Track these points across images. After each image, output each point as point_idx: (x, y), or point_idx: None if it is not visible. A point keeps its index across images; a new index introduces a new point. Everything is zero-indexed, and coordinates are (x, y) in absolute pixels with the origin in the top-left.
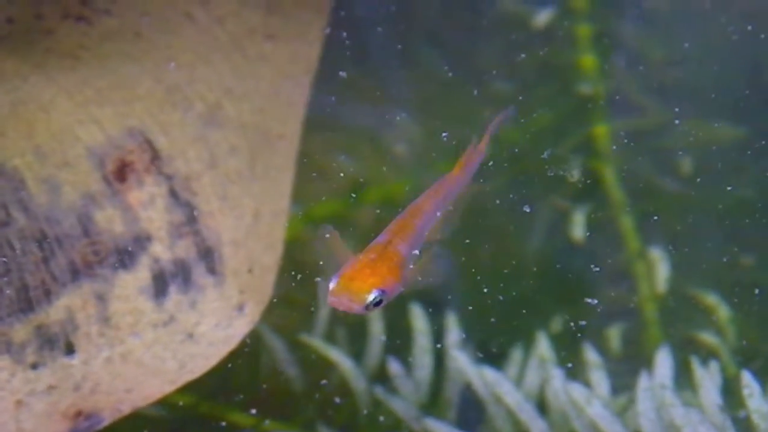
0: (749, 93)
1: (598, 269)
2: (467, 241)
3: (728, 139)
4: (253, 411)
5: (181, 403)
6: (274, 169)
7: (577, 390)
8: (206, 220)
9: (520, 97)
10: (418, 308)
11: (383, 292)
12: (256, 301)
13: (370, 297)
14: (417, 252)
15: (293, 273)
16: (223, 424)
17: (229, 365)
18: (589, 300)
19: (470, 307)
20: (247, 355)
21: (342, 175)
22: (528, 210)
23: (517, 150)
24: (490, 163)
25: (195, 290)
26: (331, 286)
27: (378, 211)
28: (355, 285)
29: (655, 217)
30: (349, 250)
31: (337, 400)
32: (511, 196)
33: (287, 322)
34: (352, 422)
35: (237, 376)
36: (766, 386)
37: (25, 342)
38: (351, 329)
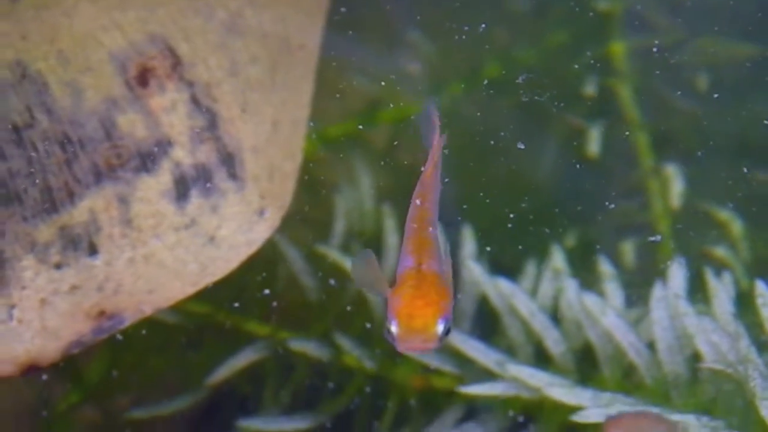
0: (762, 15)
1: (612, 185)
2: (482, 160)
3: (743, 56)
4: (270, 321)
5: (198, 312)
6: (294, 79)
7: (591, 300)
8: (227, 127)
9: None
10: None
11: (446, 319)
12: (276, 207)
13: (440, 330)
14: (444, 256)
15: (309, 190)
16: (240, 333)
17: (247, 276)
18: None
19: (484, 224)
20: (264, 265)
21: (356, 95)
22: (521, 147)
23: (529, 71)
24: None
25: (216, 195)
26: (394, 329)
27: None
28: (419, 323)
29: (670, 134)
30: (383, 274)
31: (352, 309)
32: (525, 115)
33: (304, 236)
34: (367, 332)
35: (254, 287)
36: None
37: (49, 242)
38: (367, 242)
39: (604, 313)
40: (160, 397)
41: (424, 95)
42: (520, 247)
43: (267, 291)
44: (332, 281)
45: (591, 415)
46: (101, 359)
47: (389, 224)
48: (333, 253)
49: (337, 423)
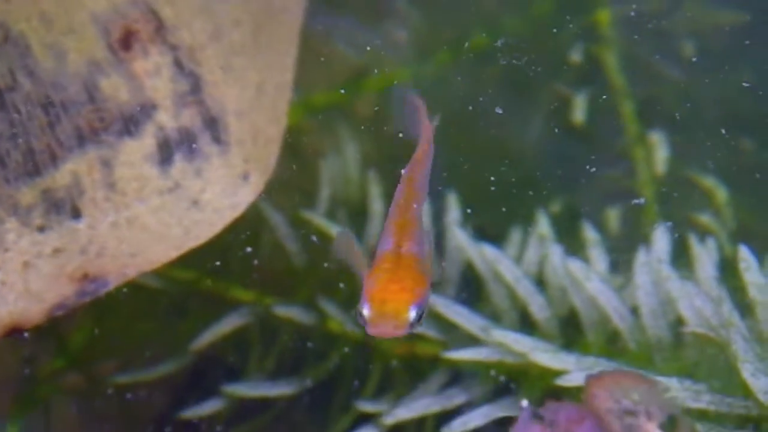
0: None
1: (597, 152)
2: (467, 128)
3: (727, 23)
4: (254, 287)
5: (183, 278)
6: (278, 43)
7: (576, 265)
8: (211, 91)
9: None
10: None
11: (419, 305)
12: (260, 171)
13: (411, 316)
14: (427, 245)
15: (294, 157)
16: (224, 299)
17: (231, 242)
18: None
19: (469, 191)
20: (248, 231)
21: (341, 63)
22: (499, 112)
23: (515, 39)
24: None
25: (200, 158)
26: (366, 313)
27: (376, 108)
28: (390, 308)
29: (655, 101)
30: (362, 255)
31: (336, 275)
32: (510, 82)
33: (288, 203)
34: (352, 299)
35: (238, 253)
36: (763, 262)
37: (32, 205)
38: (352, 209)
39: (588, 278)
40: (144, 363)
41: (410, 62)
42: (505, 213)
43: (251, 257)
44: (316, 242)
45: (574, 378)
46: (85, 325)
47: (374, 191)
48: (318, 219)
49: (321, 388)
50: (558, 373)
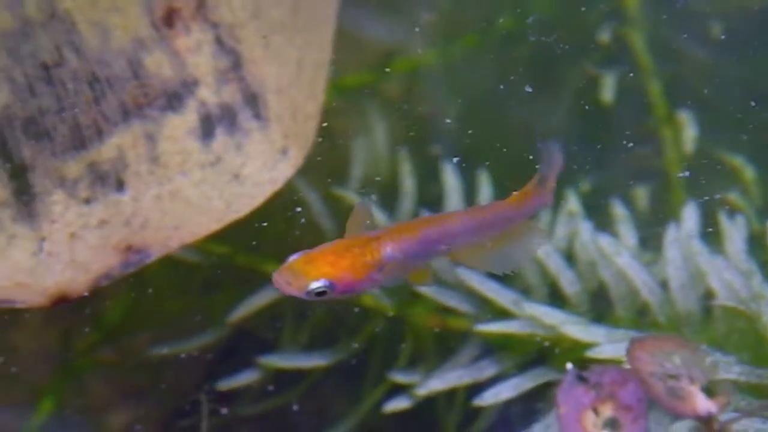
0: None
1: (625, 131)
2: (497, 107)
3: (758, 4)
4: None
5: (217, 252)
6: (316, 21)
7: (605, 241)
8: (251, 68)
9: None
10: (449, 166)
11: (332, 285)
12: (299, 147)
13: (314, 285)
14: (420, 260)
15: (325, 137)
16: (258, 274)
17: (265, 218)
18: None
19: (499, 169)
20: (282, 208)
21: (371, 45)
22: (529, 90)
23: (544, 20)
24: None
25: (241, 133)
26: (286, 261)
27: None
28: (305, 268)
29: (683, 81)
30: (367, 228)
31: None
32: (539, 62)
33: (320, 181)
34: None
35: (272, 229)
36: None
37: (78, 178)
38: (383, 187)
39: (618, 253)
40: (178, 338)
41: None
42: None
43: (285, 233)
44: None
45: (605, 351)
46: (121, 299)
47: (405, 169)
48: (351, 197)
49: (355, 361)
50: (588, 346)
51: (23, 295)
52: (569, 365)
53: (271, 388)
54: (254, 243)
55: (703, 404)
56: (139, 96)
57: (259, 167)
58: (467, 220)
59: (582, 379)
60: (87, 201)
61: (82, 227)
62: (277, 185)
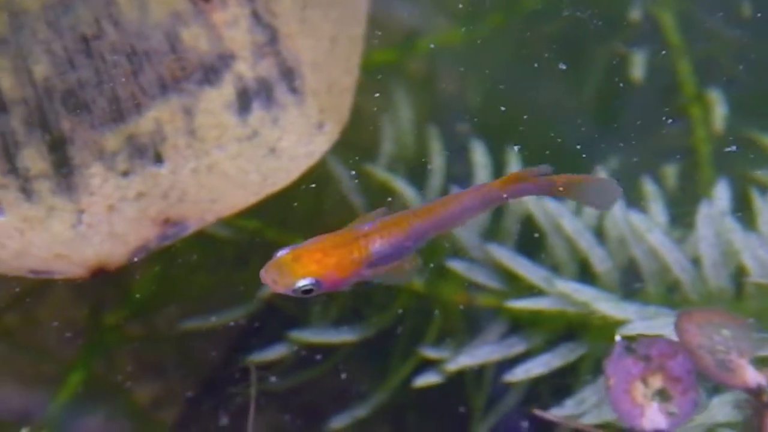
0: None
1: (655, 109)
2: (526, 84)
3: None
4: None
5: (247, 228)
6: None
7: (637, 218)
8: (287, 42)
9: None
10: (478, 143)
11: (318, 282)
12: (334, 121)
13: (300, 283)
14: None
15: (352, 115)
16: None
17: (295, 194)
18: None
19: (527, 147)
20: (312, 184)
21: (395, 24)
22: (563, 67)
23: None
24: None
25: (277, 107)
26: (274, 258)
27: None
28: (292, 266)
29: (713, 59)
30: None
31: None
32: (568, 41)
33: (349, 158)
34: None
35: (301, 205)
36: None
37: (117, 151)
38: (411, 165)
39: (650, 230)
40: (206, 313)
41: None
42: (562, 170)
43: (315, 209)
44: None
45: (636, 328)
46: (149, 274)
47: (435, 147)
48: (380, 173)
49: (383, 337)
50: (619, 323)
51: (62, 266)
52: (618, 337)
53: (297, 363)
54: (284, 218)
55: (753, 376)
56: (177, 69)
57: (296, 141)
58: (453, 206)
59: (630, 351)
60: (125, 174)
61: (121, 200)
62: (313, 159)
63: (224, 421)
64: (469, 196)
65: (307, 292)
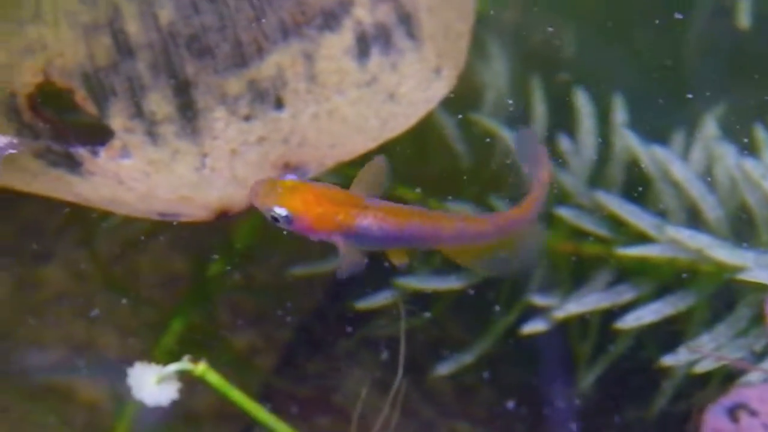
0: None
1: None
2: (631, 27)
3: None
4: (419, 189)
5: (351, 176)
6: None
7: (751, 164)
8: None
9: None
10: (582, 91)
11: (289, 219)
12: (452, 66)
13: (275, 209)
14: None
15: None
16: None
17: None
18: None
19: (631, 93)
20: (413, 133)
21: None
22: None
23: None
24: None
25: (395, 53)
26: (280, 177)
27: None
28: (281, 192)
29: None
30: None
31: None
32: None
33: (454, 106)
34: (519, 195)
35: (402, 154)
36: None
37: (239, 95)
38: (514, 117)
39: (765, 176)
40: (304, 264)
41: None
42: (667, 116)
43: (417, 157)
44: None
45: (756, 275)
46: (249, 226)
47: (537, 95)
48: (486, 121)
49: (487, 285)
50: (734, 270)
51: (187, 208)
52: None
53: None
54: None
55: None
56: (298, 15)
57: (414, 86)
58: (459, 228)
59: None
60: (247, 118)
61: (243, 144)
62: (432, 104)
63: (320, 367)
64: (478, 225)
65: (275, 220)
